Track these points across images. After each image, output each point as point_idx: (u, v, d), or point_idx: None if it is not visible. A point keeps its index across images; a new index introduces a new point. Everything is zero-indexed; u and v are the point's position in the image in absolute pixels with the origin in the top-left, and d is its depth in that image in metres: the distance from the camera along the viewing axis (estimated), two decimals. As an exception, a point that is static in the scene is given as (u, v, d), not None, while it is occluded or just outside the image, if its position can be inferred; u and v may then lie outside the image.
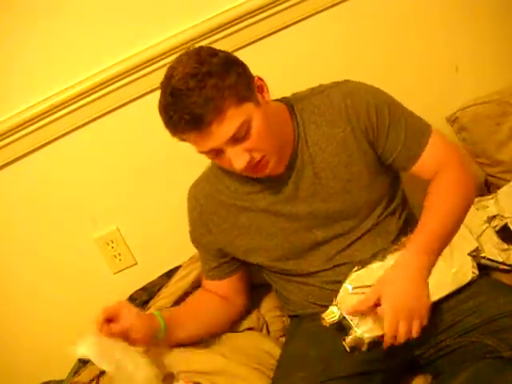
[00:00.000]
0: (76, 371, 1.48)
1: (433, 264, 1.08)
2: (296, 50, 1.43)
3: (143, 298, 1.50)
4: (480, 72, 1.54)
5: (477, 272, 1.12)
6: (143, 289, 1.52)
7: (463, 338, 1.05)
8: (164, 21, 1.35)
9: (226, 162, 1.06)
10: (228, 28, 1.35)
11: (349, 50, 1.46)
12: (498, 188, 1.46)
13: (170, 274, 1.51)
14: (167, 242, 1.56)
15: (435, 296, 1.05)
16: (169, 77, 1.02)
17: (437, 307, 1.08)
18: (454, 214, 1.13)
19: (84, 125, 1.41)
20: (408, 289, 1.03)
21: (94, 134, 1.43)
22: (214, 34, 1.34)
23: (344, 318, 1.01)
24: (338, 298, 1.04)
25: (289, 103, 1.18)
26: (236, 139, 1.02)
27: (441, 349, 1.08)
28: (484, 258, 1.21)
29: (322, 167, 1.15)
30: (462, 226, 1.15)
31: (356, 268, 1.09)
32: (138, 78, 1.35)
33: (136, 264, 1.58)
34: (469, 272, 1.11)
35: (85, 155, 1.46)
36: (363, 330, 1.00)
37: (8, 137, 1.38)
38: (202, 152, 1.06)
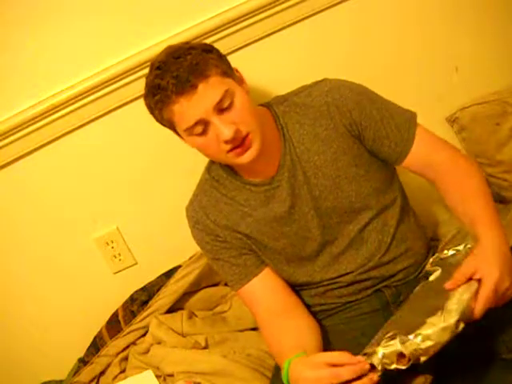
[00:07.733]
0: (76, 371, 1.49)
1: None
2: (296, 50, 1.43)
3: (143, 298, 1.50)
4: (480, 72, 1.54)
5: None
6: (143, 289, 1.52)
7: (464, 341, 1.05)
8: (164, 21, 1.35)
9: (213, 139, 1.06)
10: (228, 28, 1.35)
11: (349, 49, 1.46)
12: (498, 188, 1.47)
13: (169, 274, 1.51)
14: (167, 242, 1.55)
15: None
16: (152, 63, 1.09)
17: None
18: (484, 188, 1.13)
19: (84, 125, 1.41)
20: (503, 265, 0.99)
21: (94, 134, 1.43)
22: (213, 34, 1.34)
23: None
24: None
25: (270, 107, 1.19)
26: (221, 109, 1.04)
27: (441, 350, 1.08)
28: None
29: (309, 166, 1.16)
30: None
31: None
32: (139, 78, 1.35)
33: (136, 264, 1.58)
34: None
35: (85, 155, 1.45)
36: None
37: (8, 137, 1.38)
38: (188, 129, 1.05)
